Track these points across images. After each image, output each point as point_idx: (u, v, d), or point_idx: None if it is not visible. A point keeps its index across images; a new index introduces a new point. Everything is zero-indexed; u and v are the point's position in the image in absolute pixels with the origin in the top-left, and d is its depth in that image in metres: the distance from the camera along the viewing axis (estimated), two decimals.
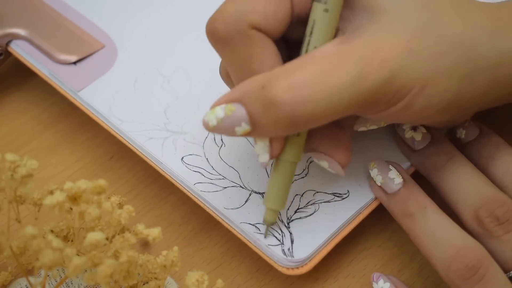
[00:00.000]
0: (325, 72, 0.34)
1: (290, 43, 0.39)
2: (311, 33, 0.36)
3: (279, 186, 0.38)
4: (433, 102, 0.36)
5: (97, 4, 0.51)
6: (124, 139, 0.45)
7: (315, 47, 0.36)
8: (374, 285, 0.39)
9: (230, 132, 0.35)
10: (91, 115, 0.46)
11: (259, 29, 0.36)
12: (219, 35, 0.36)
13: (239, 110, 0.34)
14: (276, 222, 0.40)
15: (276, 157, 0.38)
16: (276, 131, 0.35)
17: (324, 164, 0.39)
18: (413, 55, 0.35)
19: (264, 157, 0.37)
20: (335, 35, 0.37)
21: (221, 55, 0.38)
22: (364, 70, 0.34)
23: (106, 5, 0.51)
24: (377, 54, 0.34)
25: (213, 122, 0.35)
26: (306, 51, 0.36)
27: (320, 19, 0.36)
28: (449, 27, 0.35)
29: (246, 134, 0.35)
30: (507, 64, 0.36)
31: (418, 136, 0.41)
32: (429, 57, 0.35)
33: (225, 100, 0.35)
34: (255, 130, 0.35)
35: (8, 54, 0.50)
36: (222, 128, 0.35)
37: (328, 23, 0.36)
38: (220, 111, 0.35)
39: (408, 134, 0.42)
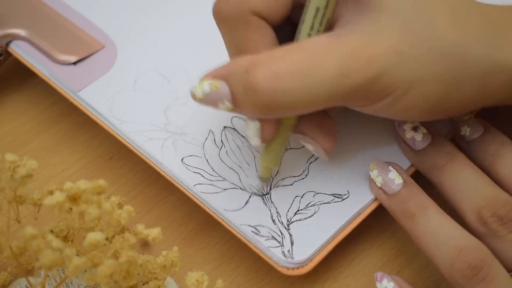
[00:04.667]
0: (308, 64, 0.35)
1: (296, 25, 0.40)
2: (303, 21, 0.38)
3: (275, 146, 0.40)
4: (417, 104, 0.37)
5: (97, 4, 0.51)
6: (124, 139, 0.45)
7: (309, 35, 0.38)
8: (378, 284, 0.38)
9: (214, 106, 0.37)
10: (91, 115, 0.46)
11: (259, 15, 0.38)
12: (222, 15, 0.39)
13: (223, 88, 0.36)
14: (271, 178, 0.42)
15: (267, 142, 0.40)
16: (255, 114, 0.37)
17: (310, 147, 0.41)
18: (402, 58, 0.35)
19: (255, 141, 0.39)
20: (332, 24, 0.38)
21: (221, 33, 0.40)
22: (348, 67, 0.35)
23: (106, 5, 0.51)
24: (365, 52, 0.35)
25: (199, 95, 0.37)
26: (297, 39, 0.38)
27: (312, 9, 0.37)
28: (444, 35, 0.36)
29: (229, 111, 0.37)
30: (496, 74, 0.37)
31: (418, 137, 0.41)
32: (418, 62, 0.36)
33: (213, 75, 0.37)
34: (236, 109, 0.37)
35: (8, 54, 0.50)
36: (207, 102, 0.37)
37: (320, 15, 0.37)
38: (206, 86, 0.36)
39: (409, 134, 0.42)
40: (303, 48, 0.36)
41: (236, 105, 0.36)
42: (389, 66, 0.35)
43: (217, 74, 0.37)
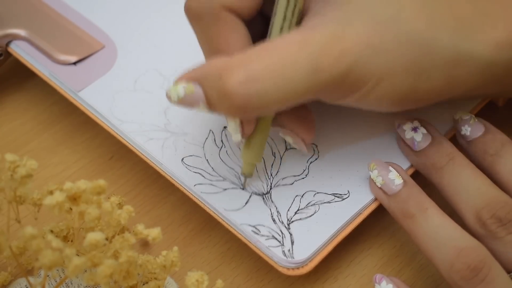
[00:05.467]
0: (281, 64, 0.35)
1: (268, 18, 0.40)
2: (275, 14, 0.38)
3: (256, 141, 0.40)
4: (388, 95, 0.37)
5: (97, 4, 0.51)
6: (124, 139, 0.45)
7: (281, 27, 0.38)
8: (377, 286, 0.38)
9: (191, 108, 0.37)
10: (91, 115, 0.46)
11: (231, 10, 0.38)
12: (192, 12, 0.39)
13: (197, 92, 0.36)
14: (253, 174, 0.42)
15: (247, 136, 0.40)
16: (231, 116, 0.38)
17: (289, 139, 0.42)
18: (371, 49, 0.36)
19: (237, 137, 0.40)
20: (303, 15, 0.38)
21: (194, 30, 0.40)
22: (321, 63, 0.35)
23: (106, 6, 0.51)
24: (336, 46, 0.35)
25: (174, 98, 0.37)
26: (271, 33, 0.38)
27: (283, 0, 0.38)
28: (411, 24, 0.37)
29: (205, 111, 0.37)
30: (463, 64, 0.37)
31: (418, 137, 0.41)
32: (387, 52, 0.36)
33: (187, 78, 0.37)
34: (212, 111, 0.37)
35: (8, 54, 0.50)
36: (183, 104, 0.37)
37: (291, 5, 0.38)
38: (181, 90, 0.37)
39: (409, 134, 0.42)
40: (275, 47, 0.36)
41: (211, 108, 0.37)
42: (360, 59, 0.36)
43: (191, 77, 0.37)
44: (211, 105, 0.37)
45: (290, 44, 0.36)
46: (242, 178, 0.42)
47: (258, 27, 0.41)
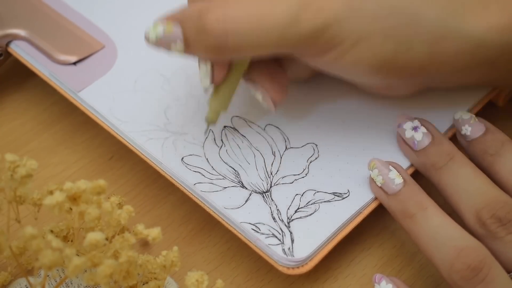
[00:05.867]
0: (260, 10, 0.37)
1: None
2: None
3: (225, 89, 0.42)
4: (364, 58, 0.38)
5: (97, 4, 0.51)
6: (124, 139, 0.45)
7: None
8: (377, 286, 0.38)
9: (167, 48, 0.38)
10: (91, 115, 0.46)
11: None
12: None
13: (176, 31, 0.38)
14: (216, 122, 0.43)
15: (217, 83, 0.41)
16: (206, 55, 0.39)
17: (258, 96, 0.42)
18: (351, 11, 0.37)
19: (206, 82, 0.41)
20: None
21: None
22: (298, 15, 0.36)
23: (106, 6, 0.51)
24: (316, 2, 0.36)
25: (153, 38, 0.38)
26: None
27: None
28: None
29: (181, 53, 0.38)
30: (448, 41, 0.38)
31: (418, 136, 0.41)
32: (367, 17, 0.37)
33: (168, 18, 0.38)
34: (188, 50, 0.38)
35: (8, 54, 0.50)
36: (160, 44, 0.38)
37: None
38: (160, 30, 0.38)
39: (409, 134, 0.42)
40: None
41: (188, 46, 0.38)
42: (338, 18, 0.37)
43: (172, 18, 0.38)
44: (188, 43, 0.38)
45: None
46: (205, 125, 0.43)
47: None
